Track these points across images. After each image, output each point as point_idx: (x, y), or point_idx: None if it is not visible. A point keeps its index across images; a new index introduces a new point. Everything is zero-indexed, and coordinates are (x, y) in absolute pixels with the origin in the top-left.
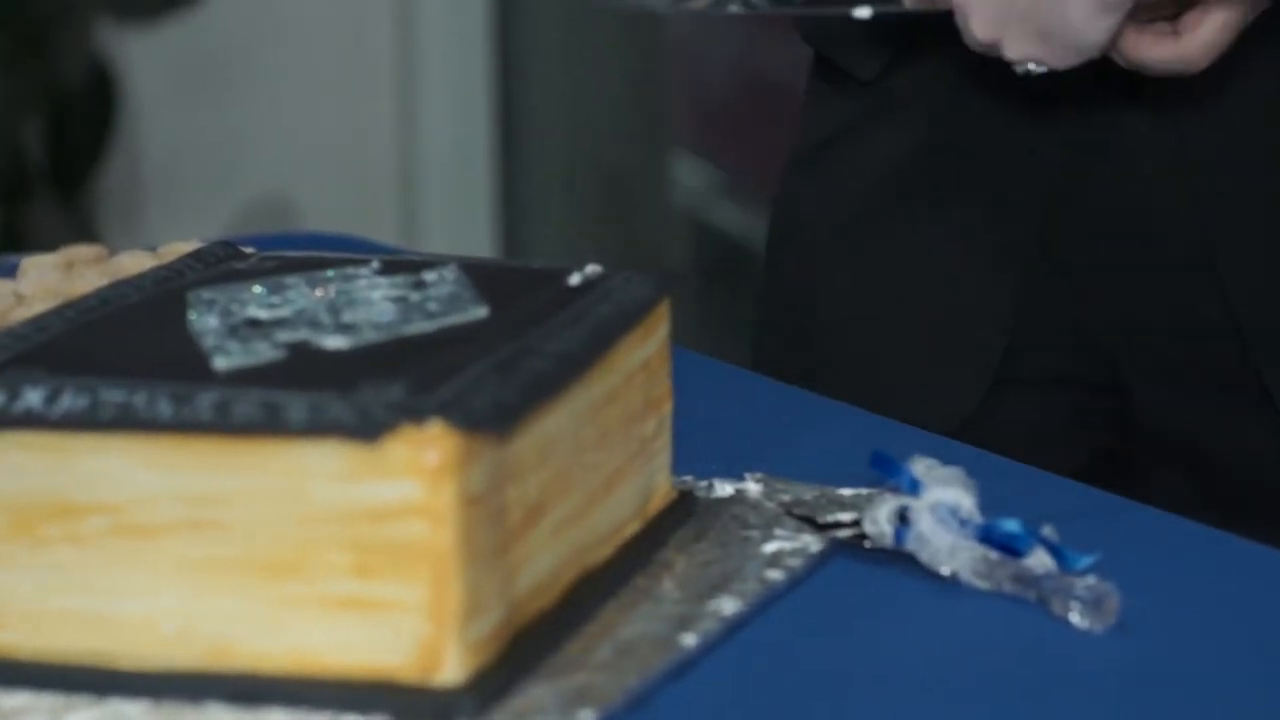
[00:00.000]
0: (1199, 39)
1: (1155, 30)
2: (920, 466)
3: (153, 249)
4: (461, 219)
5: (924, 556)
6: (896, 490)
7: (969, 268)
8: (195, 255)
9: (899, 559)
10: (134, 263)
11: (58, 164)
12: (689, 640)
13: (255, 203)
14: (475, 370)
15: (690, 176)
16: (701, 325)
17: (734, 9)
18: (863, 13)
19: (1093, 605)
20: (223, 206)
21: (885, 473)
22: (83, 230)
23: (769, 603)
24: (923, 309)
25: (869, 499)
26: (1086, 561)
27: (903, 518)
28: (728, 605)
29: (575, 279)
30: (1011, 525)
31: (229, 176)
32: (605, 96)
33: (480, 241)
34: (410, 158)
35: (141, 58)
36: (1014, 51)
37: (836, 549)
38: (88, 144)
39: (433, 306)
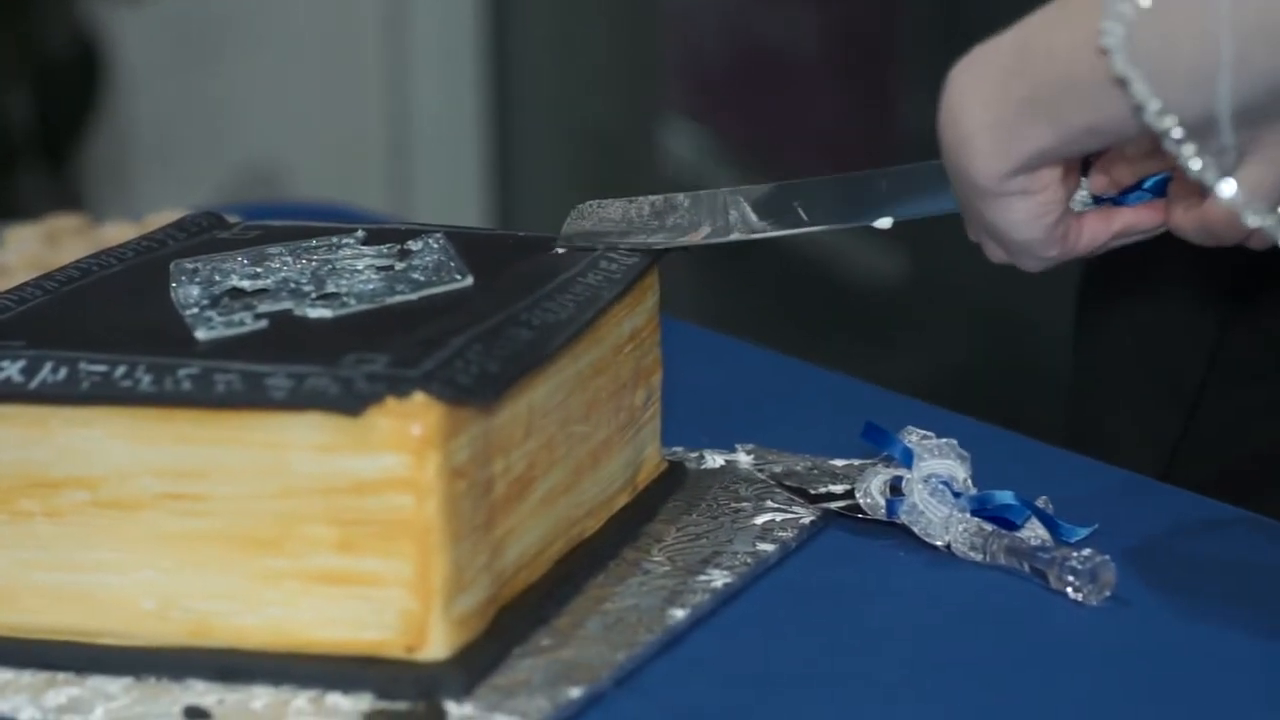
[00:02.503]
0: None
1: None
2: (913, 437)
3: (137, 218)
4: (452, 186)
5: (917, 529)
6: (890, 461)
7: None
8: (178, 225)
9: (892, 531)
10: (118, 232)
11: (46, 133)
12: (678, 614)
13: (245, 171)
14: (460, 341)
15: (682, 142)
16: (694, 294)
17: (735, 236)
18: (884, 223)
19: (1088, 577)
20: (212, 174)
21: (878, 444)
22: (71, 199)
23: (760, 575)
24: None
25: (861, 470)
26: (1082, 533)
27: (895, 489)
28: (718, 578)
29: (562, 247)
30: (1005, 497)
31: (218, 144)
32: (597, 62)
33: (471, 209)
34: (400, 125)
35: (130, 26)
36: (993, 257)
37: (829, 521)
38: (75, 113)
39: (418, 276)
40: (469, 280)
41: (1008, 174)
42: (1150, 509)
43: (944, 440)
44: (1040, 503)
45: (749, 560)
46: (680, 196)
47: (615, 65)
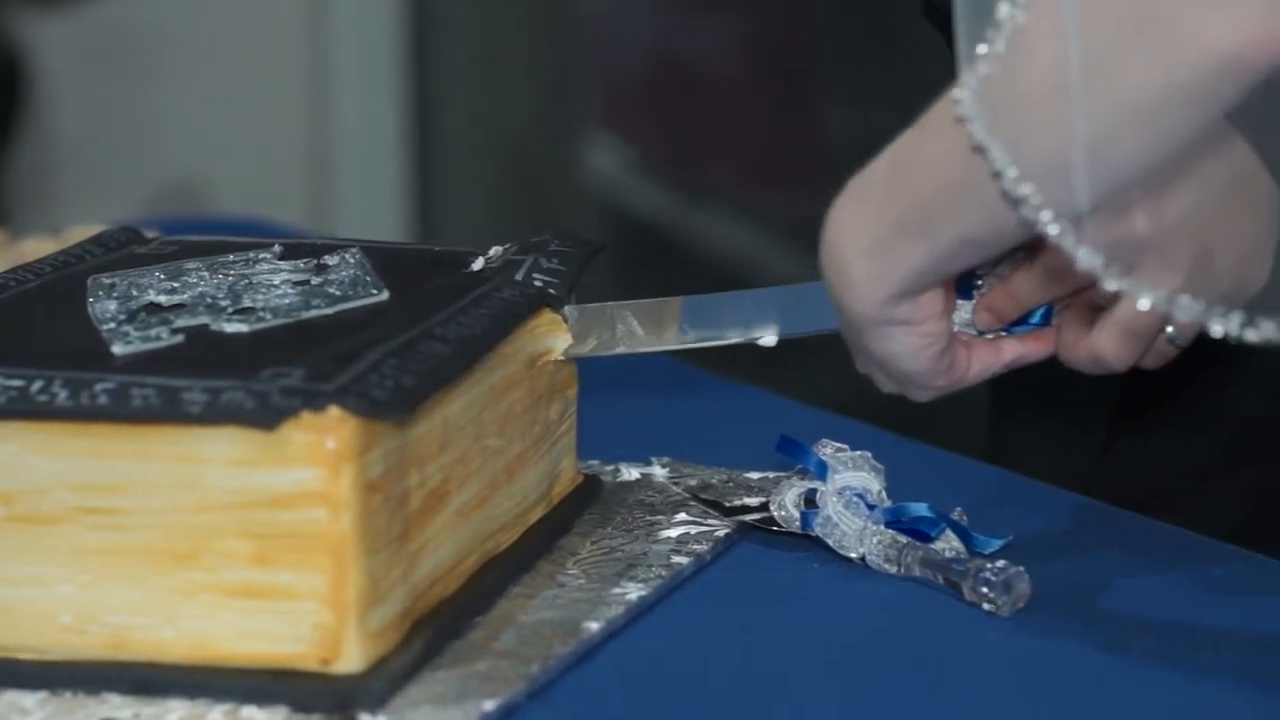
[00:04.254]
0: (1111, 331)
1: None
2: (827, 450)
3: (57, 233)
4: (374, 200)
5: (831, 541)
6: (804, 474)
7: None
8: (96, 240)
9: (807, 543)
10: (36, 247)
11: None
12: (593, 626)
13: (167, 185)
14: (375, 355)
15: (604, 156)
16: None
17: (621, 349)
18: (769, 340)
19: (1002, 589)
20: (135, 189)
21: (792, 456)
22: None
23: (674, 588)
24: None
25: (776, 483)
26: (996, 545)
27: (810, 502)
28: (632, 591)
29: (478, 263)
30: (920, 509)
31: (139, 159)
32: (518, 77)
33: (392, 223)
34: (322, 140)
35: (52, 41)
36: (883, 388)
37: (744, 533)
38: None
39: (334, 290)
40: (385, 295)
41: (887, 300)
42: (1064, 521)
43: (858, 453)
44: (955, 515)
45: (663, 573)
46: (568, 309)
47: (536, 79)
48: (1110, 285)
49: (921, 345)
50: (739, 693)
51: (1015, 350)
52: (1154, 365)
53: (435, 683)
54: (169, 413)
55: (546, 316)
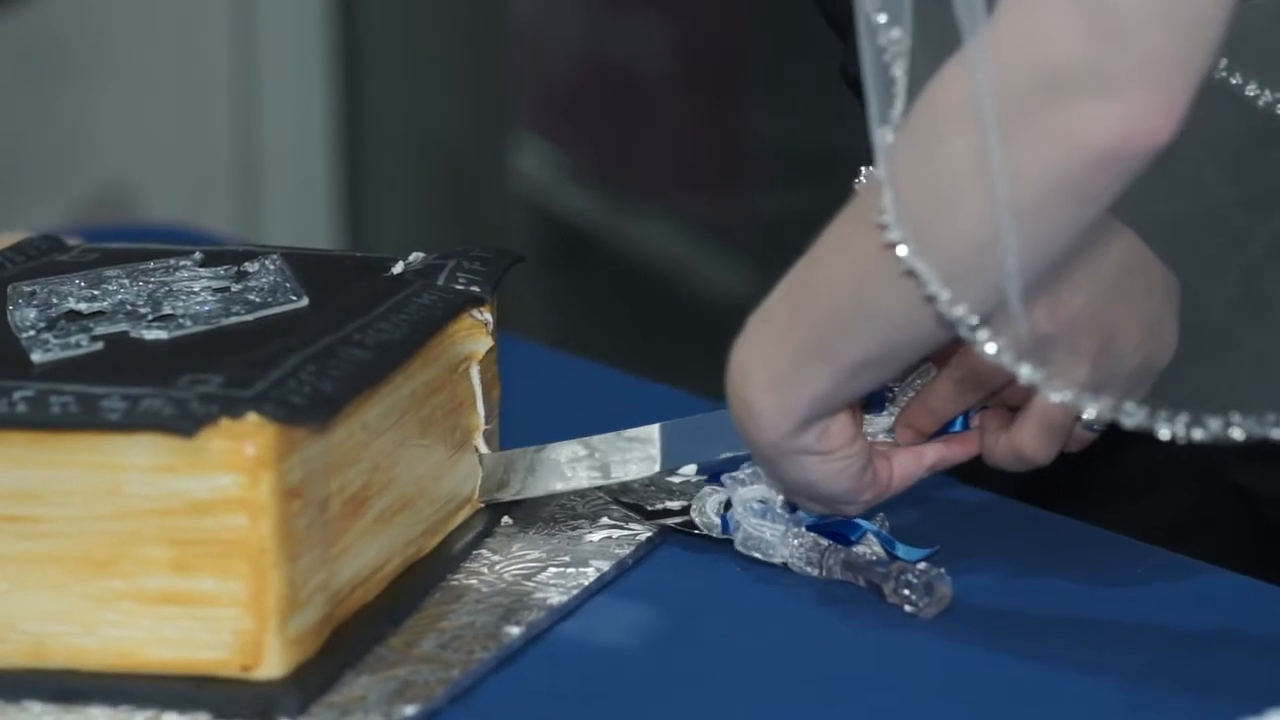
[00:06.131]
0: (1029, 427)
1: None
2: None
3: None
4: (302, 206)
5: (758, 552)
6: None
7: None
8: (16, 248)
9: (729, 546)
10: None
11: None
12: (514, 631)
13: (95, 193)
14: (294, 361)
15: (533, 160)
16: (543, 309)
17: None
18: (688, 470)
19: (924, 591)
20: (62, 197)
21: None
22: None
23: (596, 592)
24: None
25: (698, 487)
26: (919, 554)
27: (730, 506)
28: (554, 595)
29: (398, 268)
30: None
31: (68, 167)
32: (447, 81)
33: (321, 229)
34: (250, 146)
35: None
36: (813, 512)
37: (665, 537)
38: None
39: (253, 297)
40: (304, 301)
41: (793, 430)
42: (987, 522)
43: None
44: (876, 521)
45: (585, 577)
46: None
47: (465, 83)
48: (1024, 380)
49: (840, 469)
50: (661, 696)
51: (938, 453)
52: (1076, 449)
53: (356, 688)
54: (88, 420)
55: (466, 322)
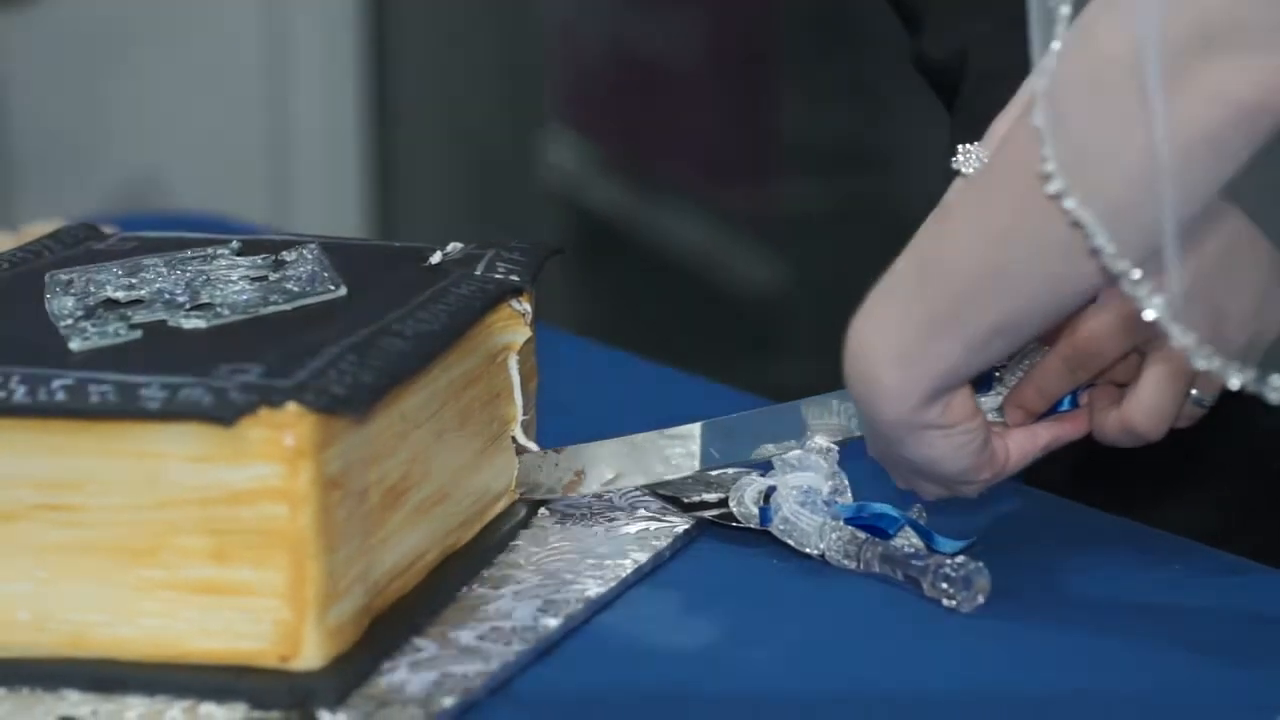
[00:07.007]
0: (1140, 403)
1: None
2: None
3: (14, 229)
4: (333, 196)
5: (791, 540)
6: (764, 471)
7: None
8: (54, 236)
9: (766, 539)
10: None
11: None
12: (551, 623)
13: (128, 182)
14: (333, 351)
15: (563, 152)
16: (572, 300)
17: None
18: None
19: (962, 584)
20: (93, 185)
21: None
22: None
23: (633, 584)
24: None
25: (736, 479)
26: (957, 545)
27: (769, 498)
28: (591, 587)
29: (436, 258)
30: (880, 506)
31: (99, 154)
32: (478, 72)
33: (352, 218)
34: (281, 135)
35: (12, 34)
36: (929, 496)
37: (703, 529)
38: None
39: (292, 286)
40: (343, 290)
41: (920, 404)
42: (1027, 516)
43: (809, 451)
44: (914, 513)
45: (622, 569)
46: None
47: (496, 74)
48: (1176, 343)
49: (961, 444)
50: (698, 688)
51: (1052, 432)
52: (1185, 425)
53: (394, 680)
54: (127, 409)
55: (504, 312)
